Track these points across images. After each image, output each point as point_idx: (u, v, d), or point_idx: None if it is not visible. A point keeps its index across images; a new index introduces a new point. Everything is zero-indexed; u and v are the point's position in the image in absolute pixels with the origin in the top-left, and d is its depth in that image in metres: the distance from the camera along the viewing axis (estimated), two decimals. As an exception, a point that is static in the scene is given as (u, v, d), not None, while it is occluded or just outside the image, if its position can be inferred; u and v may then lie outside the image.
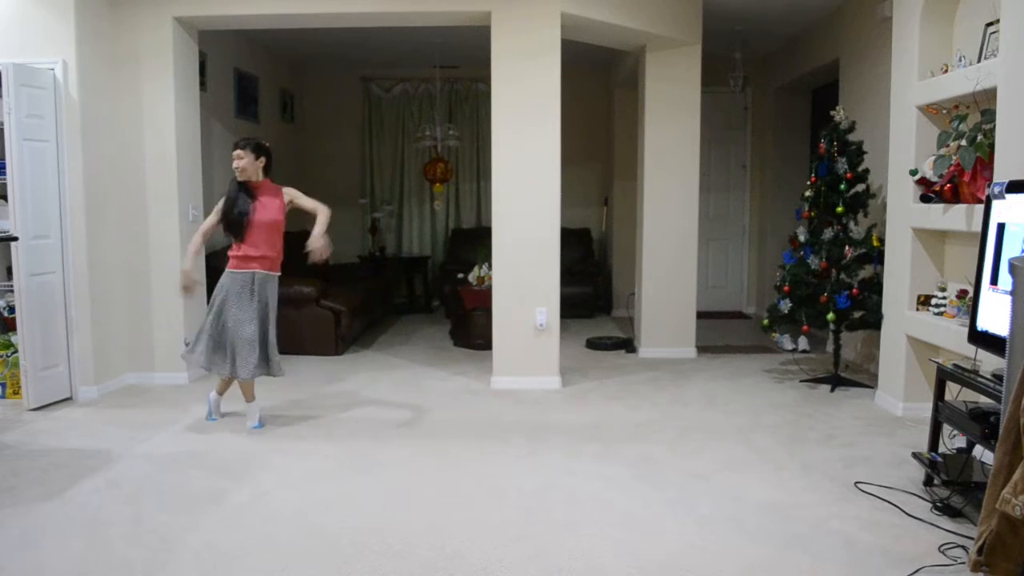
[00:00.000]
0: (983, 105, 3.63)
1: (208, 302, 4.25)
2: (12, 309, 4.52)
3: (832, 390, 4.93)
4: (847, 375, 5.19)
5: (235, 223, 4.01)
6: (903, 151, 4.30)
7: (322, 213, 4.09)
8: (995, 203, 2.94)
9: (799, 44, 6.90)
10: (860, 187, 4.96)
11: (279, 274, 4.17)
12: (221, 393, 4.32)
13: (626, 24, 5.27)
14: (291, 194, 4.15)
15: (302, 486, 3.33)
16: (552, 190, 4.99)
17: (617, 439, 3.98)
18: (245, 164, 4.01)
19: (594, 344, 6.39)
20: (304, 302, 5.92)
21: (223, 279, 4.05)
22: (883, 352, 4.56)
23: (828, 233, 4.93)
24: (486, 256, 5.88)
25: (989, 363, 3.04)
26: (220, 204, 4.11)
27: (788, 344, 6.18)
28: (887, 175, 4.58)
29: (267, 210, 4.04)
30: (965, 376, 3.06)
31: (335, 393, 4.93)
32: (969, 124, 3.70)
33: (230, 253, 4.07)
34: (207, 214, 5.71)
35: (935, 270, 4.23)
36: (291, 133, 8.15)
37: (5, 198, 4.49)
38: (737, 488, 3.30)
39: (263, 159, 4.09)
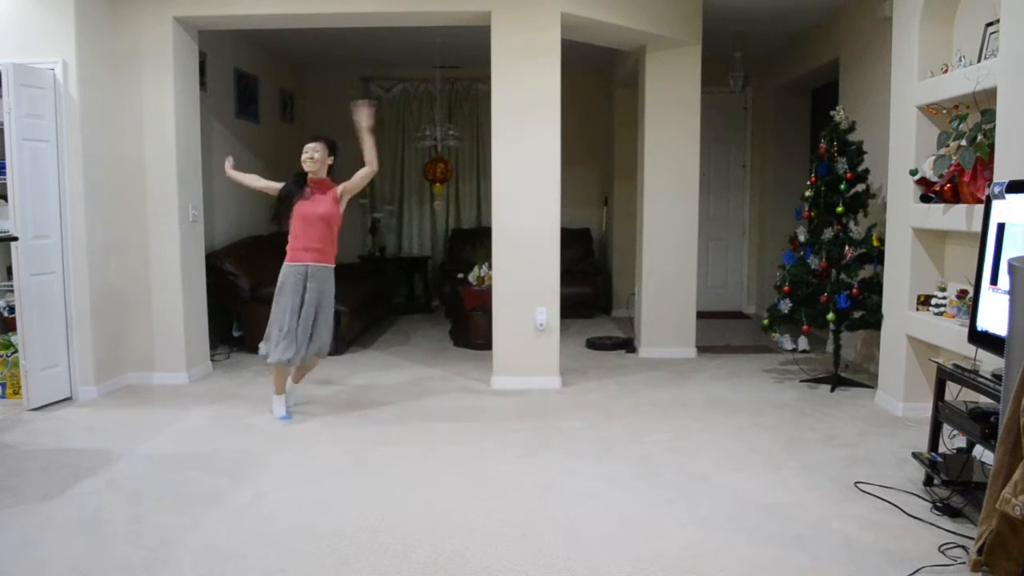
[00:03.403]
0: (983, 105, 3.63)
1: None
2: (12, 309, 4.52)
3: (832, 390, 4.93)
4: (847, 375, 5.19)
5: (282, 213, 4.29)
6: (903, 151, 4.29)
7: (368, 164, 4.30)
8: (995, 203, 2.93)
9: (799, 44, 6.90)
10: (860, 187, 4.96)
11: (333, 266, 4.35)
12: (296, 381, 4.57)
13: (626, 24, 5.27)
14: (342, 188, 4.33)
15: (302, 486, 3.33)
16: (552, 190, 4.99)
17: (617, 439, 3.98)
18: (319, 157, 4.23)
19: (594, 344, 6.38)
20: (304, 302, 5.90)
21: (282, 273, 4.24)
22: (883, 352, 4.55)
23: (828, 233, 4.93)
24: (486, 256, 5.88)
25: (989, 363, 3.04)
26: (279, 186, 4.36)
27: (788, 344, 6.17)
28: (887, 175, 4.58)
29: (319, 205, 4.22)
30: (965, 376, 3.06)
31: (335, 393, 4.93)
32: (969, 124, 3.70)
33: (288, 247, 4.27)
34: (206, 214, 5.75)
35: (935, 270, 4.23)
36: (291, 133, 8.14)
37: (5, 198, 4.49)
38: (737, 488, 3.30)
39: (332, 158, 4.31)
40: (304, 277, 4.20)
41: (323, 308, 4.29)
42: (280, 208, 4.29)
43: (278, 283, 4.23)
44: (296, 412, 4.45)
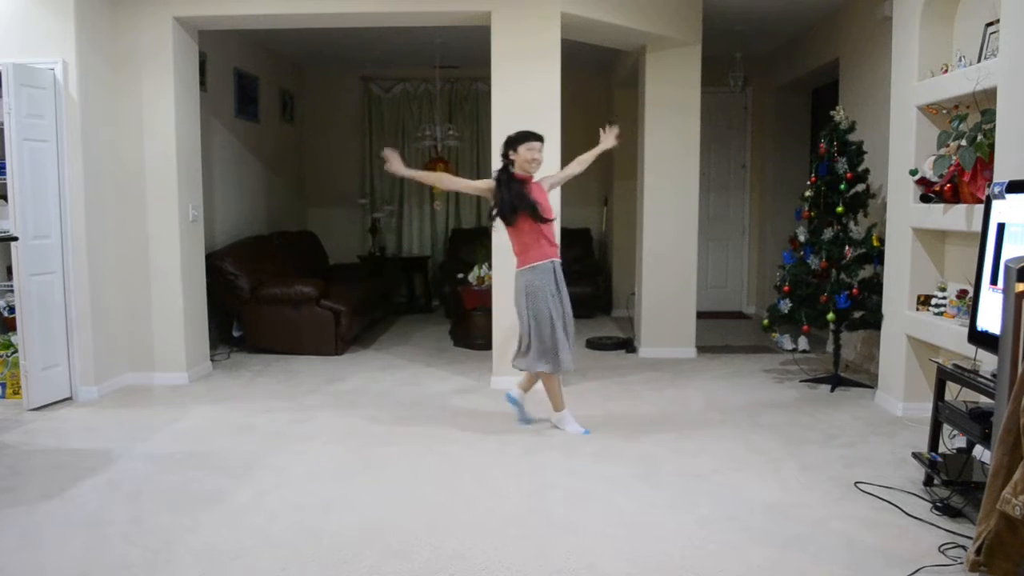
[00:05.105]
0: (983, 105, 3.63)
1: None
2: (12, 309, 4.52)
3: (832, 390, 4.93)
4: (847, 375, 5.19)
5: (530, 214, 3.93)
6: (903, 151, 4.30)
7: (579, 164, 4.36)
8: (995, 203, 2.93)
9: (799, 44, 6.90)
10: (860, 187, 4.96)
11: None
12: (526, 390, 4.31)
13: (626, 24, 5.27)
14: (550, 183, 4.23)
15: (302, 486, 3.33)
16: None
17: (617, 439, 3.97)
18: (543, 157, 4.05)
19: (594, 344, 6.38)
20: (304, 302, 5.91)
21: (530, 277, 3.94)
22: (883, 352, 4.55)
23: (828, 233, 4.93)
24: (486, 256, 5.88)
25: (989, 363, 3.03)
26: (489, 184, 4.04)
27: (788, 344, 6.17)
28: (887, 175, 4.58)
29: (545, 200, 4.03)
30: (965, 376, 3.06)
31: (335, 393, 4.93)
32: (969, 124, 3.70)
33: (527, 248, 3.96)
34: (206, 214, 5.75)
35: (935, 270, 4.23)
36: (291, 133, 8.14)
37: (5, 198, 4.49)
38: (737, 488, 3.30)
39: None
40: (555, 272, 3.99)
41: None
42: (521, 207, 3.92)
43: (527, 289, 3.94)
44: (296, 411, 4.46)
